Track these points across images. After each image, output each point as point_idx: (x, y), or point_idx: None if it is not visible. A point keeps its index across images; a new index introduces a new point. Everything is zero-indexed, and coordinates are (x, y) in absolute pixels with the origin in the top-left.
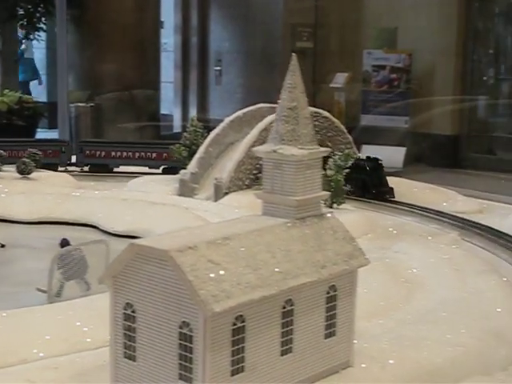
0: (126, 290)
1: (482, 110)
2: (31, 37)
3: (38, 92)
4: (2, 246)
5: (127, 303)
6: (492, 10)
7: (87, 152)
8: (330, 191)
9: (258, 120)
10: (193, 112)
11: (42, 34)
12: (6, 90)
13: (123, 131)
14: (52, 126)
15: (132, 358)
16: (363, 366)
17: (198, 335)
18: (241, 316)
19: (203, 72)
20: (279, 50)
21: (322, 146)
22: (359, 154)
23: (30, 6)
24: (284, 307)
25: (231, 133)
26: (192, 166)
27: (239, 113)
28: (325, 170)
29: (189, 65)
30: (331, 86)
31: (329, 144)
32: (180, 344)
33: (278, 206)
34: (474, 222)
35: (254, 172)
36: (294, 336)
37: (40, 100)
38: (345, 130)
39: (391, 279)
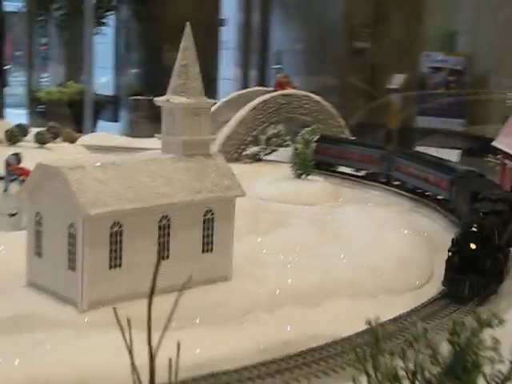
0: (36, 202)
1: None
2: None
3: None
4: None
5: (37, 212)
6: None
7: None
8: (297, 163)
9: None
10: None
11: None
12: (70, 82)
13: None
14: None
15: (39, 254)
16: (240, 281)
17: (79, 233)
18: (118, 222)
19: None
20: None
21: (308, 126)
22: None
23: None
24: (161, 221)
25: None
26: None
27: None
28: (294, 144)
29: None
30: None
31: (320, 126)
32: (69, 241)
33: (171, 144)
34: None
35: (242, 147)
36: (170, 245)
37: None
38: (336, 114)
39: (318, 231)
